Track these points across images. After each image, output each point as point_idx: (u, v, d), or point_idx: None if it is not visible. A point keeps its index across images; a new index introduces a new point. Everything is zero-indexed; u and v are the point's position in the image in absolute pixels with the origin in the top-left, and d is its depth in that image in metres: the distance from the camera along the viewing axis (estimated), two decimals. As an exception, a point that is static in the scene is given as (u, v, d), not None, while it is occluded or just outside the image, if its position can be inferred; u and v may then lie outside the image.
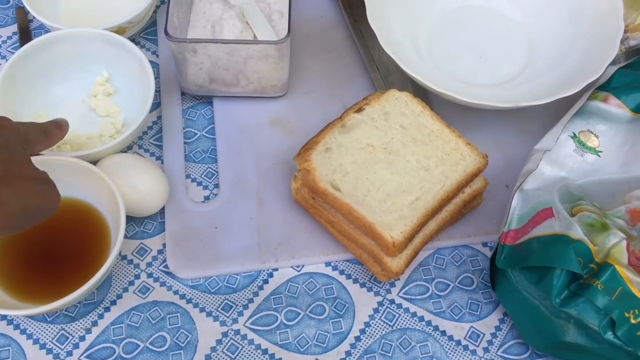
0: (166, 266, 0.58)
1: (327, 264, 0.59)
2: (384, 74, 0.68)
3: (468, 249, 0.60)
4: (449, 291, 0.58)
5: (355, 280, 0.59)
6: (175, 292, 0.57)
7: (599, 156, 0.58)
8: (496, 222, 0.61)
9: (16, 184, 0.43)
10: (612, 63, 0.62)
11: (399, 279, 0.59)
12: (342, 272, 0.59)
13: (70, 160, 0.56)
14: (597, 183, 0.58)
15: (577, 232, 0.50)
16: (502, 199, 0.61)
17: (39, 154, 0.55)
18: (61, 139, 0.51)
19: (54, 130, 0.50)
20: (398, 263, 0.54)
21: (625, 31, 0.66)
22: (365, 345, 0.56)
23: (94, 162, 0.58)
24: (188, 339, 0.55)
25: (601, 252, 0.50)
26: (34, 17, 0.69)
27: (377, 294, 0.58)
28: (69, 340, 0.55)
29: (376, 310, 0.57)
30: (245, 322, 0.56)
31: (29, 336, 0.55)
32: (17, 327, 0.55)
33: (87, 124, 0.63)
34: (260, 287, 0.58)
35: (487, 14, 0.72)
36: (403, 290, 0.58)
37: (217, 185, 0.62)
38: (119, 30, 0.65)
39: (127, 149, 0.64)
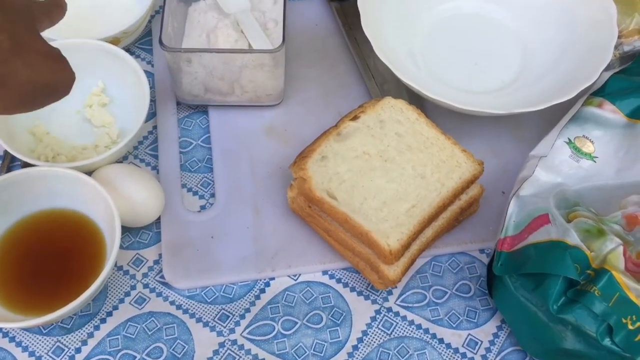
0: (162, 276, 0.58)
1: (324, 272, 0.59)
2: (380, 82, 0.68)
3: (465, 256, 0.60)
4: (447, 299, 0.58)
5: (353, 289, 0.58)
6: (172, 303, 0.57)
7: (595, 162, 0.58)
8: (493, 228, 0.61)
9: (26, 55, 0.40)
10: (607, 69, 0.62)
11: (396, 287, 0.58)
12: (339, 281, 0.59)
13: (65, 171, 0.56)
14: (593, 189, 0.58)
15: (573, 238, 0.50)
16: (499, 205, 0.61)
17: (34, 165, 0.55)
18: (62, 17, 0.48)
19: (55, 8, 0.47)
20: (395, 271, 0.54)
21: (619, 37, 0.66)
22: (363, 354, 0.55)
23: (89, 173, 0.58)
24: (185, 349, 0.55)
25: (598, 258, 0.50)
26: (28, 28, 0.69)
27: (374, 302, 0.58)
28: (64, 352, 0.54)
29: (373, 319, 0.57)
30: (242, 332, 0.56)
31: (25, 349, 0.54)
32: (12, 339, 0.55)
33: (82, 135, 0.63)
34: (257, 297, 0.57)
35: (481, 21, 0.72)
36: (400, 298, 0.58)
37: (213, 195, 0.62)
38: (114, 41, 0.65)
39: (122, 159, 0.64)
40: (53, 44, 0.62)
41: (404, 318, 0.57)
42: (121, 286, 0.58)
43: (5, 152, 0.63)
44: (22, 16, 0.42)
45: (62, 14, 0.48)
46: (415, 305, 0.58)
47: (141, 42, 0.72)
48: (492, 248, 0.59)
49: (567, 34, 0.68)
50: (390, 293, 0.58)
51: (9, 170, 0.62)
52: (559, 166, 0.58)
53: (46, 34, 0.64)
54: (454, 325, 0.57)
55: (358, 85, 0.69)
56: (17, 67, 0.40)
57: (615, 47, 0.66)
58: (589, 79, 0.60)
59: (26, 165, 0.60)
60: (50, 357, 0.54)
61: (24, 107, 0.42)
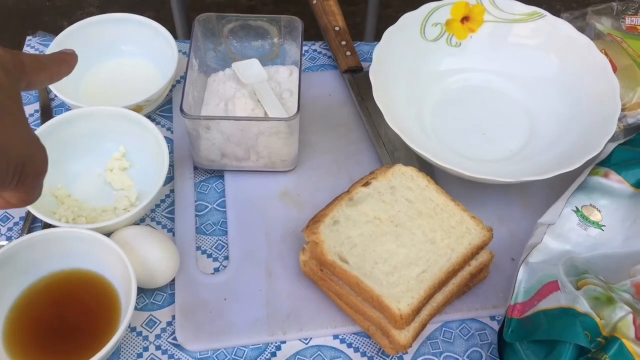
0: (175, 338, 0.58)
1: (335, 336, 0.59)
2: (390, 150, 0.70)
3: (476, 323, 0.60)
4: (458, 365, 0.58)
5: (364, 354, 0.58)
6: (183, 365, 0.57)
7: (603, 230, 0.59)
8: (503, 295, 0.61)
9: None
10: (612, 140, 0.64)
11: (407, 353, 0.58)
12: (350, 345, 0.59)
13: (84, 232, 0.57)
14: (601, 257, 0.58)
15: (583, 306, 0.51)
16: (508, 272, 0.61)
17: (68, 228, 0.57)
18: (67, 73, 0.45)
19: (52, 64, 0.43)
20: (406, 336, 0.54)
21: (623, 109, 0.69)
22: (374, 421, 0.55)
23: (108, 234, 0.59)
24: (195, 413, 0.55)
25: (608, 326, 0.50)
26: (55, 96, 0.73)
27: (385, 367, 0.58)
28: (75, 413, 0.54)
29: (384, 385, 0.57)
30: (253, 396, 0.56)
31: (36, 409, 0.55)
32: (24, 399, 0.55)
33: (102, 197, 0.65)
34: (268, 360, 0.58)
35: (489, 93, 0.75)
36: (411, 364, 0.58)
37: (226, 257, 0.64)
38: (137, 108, 0.68)
39: (140, 221, 0.66)
40: (78, 110, 0.65)
41: (415, 385, 0.57)
42: (134, 347, 0.58)
43: (27, 213, 0.65)
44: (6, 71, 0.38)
45: (69, 70, 0.45)
46: (426, 371, 0.58)
47: (162, 109, 0.75)
48: (503, 314, 0.59)
49: (572, 107, 0.70)
50: (401, 359, 0.58)
51: (30, 230, 0.64)
52: (567, 234, 0.59)
53: (73, 101, 0.68)
54: (465, 393, 0.57)
55: (369, 153, 0.71)
56: None
57: (619, 120, 0.68)
58: (594, 150, 0.62)
59: (47, 226, 0.62)
60: (61, 418, 0.54)
61: None
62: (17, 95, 0.38)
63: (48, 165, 0.40)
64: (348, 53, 0.77)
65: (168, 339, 0.59)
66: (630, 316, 0.50)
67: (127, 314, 0.53)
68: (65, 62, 0.45)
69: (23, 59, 0.40)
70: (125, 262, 0.55)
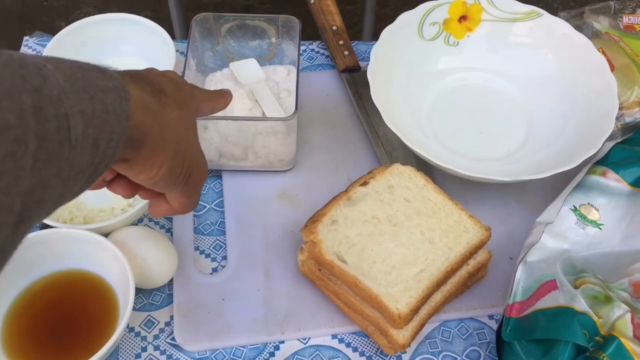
0: (173, 338, 0.58)
1: (334, 336, 0.59)
2: (388, 149, 0.70)
3: (474, 322, 0.61)
4: (456, 365, 0.58)
5: (362, 354, 0.58)
6: (182, 365, 0.57)
7: (600, 229, 0.59)
8: (501, 294, 0.61)
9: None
10: (609, 139, 0.64)
11: (405, 352, 0.58)
12: (348, 345, 0.59)
13: (82, 233, 0.57)
14: (599, 255, 0.58)
15: (581, 305, 0.51)
16: (507, 271, 0.61)
17: (66, 228, 0.57)
18: (224, 107, 0.53)
19: (219, 99, 0.52)
20: (404, 335, 0.54)
21: (620, 108, 0.69)
22: (372, 421, 0.55)
23: (106, 235, 0.59)
24: (193, 413, 0.55)
25: (606, 325, 0.50)
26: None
27: (383, 367, 0.58)
28: (73, 414, 0.54)
29: (383, 384, 0.57)
30: (251, 396, 0.56)
31: (34, 410, 0.54)
32: (22, 400, 0.55)
33: (99, 197, 0.65)
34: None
35: (486, 92, 0.75)
36: (410, 364, 0.58)
37: (225, 257, 0.63)
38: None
39: (138, 221, 0.66)
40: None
41: (414, 384, 0.57)
42: (132, 348, 0.58)
43: (25, 213, 0.64)
44: (188, 98, 0.46)
45: (225, 105, 0.53)
46: (425, 371, 0.58)
47: (159, 109, 0.75)
48: (501, 314, 0.59)
49: (569, 105, 0.70)
50: (399, 358, 0.58)
51: (27, 231, 0.64)
52: (565, 233, 0.59)
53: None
54: (463, 392, 0.57)
55: (367, 152, 0.71)
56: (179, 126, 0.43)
57: (617, 119, 0.68)
58: (592, 149, 0.62)
59: (45, 226, 0.62)
60: (59, 419, 0.54)
61: (166, 175, 0.42)
62: (195, 117, 0.47)
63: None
64: (346, 52, 0.77)
65: (166, 339, 0.58)
66: (629, 315, 0.50)
67: (125, 314, 0.53)
68: (224, 97, 0.53)
69: (194, 89, 0.49)
70: (123, 263, 0.55)
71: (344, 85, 0.77)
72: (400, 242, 0.57)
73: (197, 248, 0.64)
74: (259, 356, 0.58)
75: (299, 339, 0.59)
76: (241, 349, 0.58)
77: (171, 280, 0.61)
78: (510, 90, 0.75)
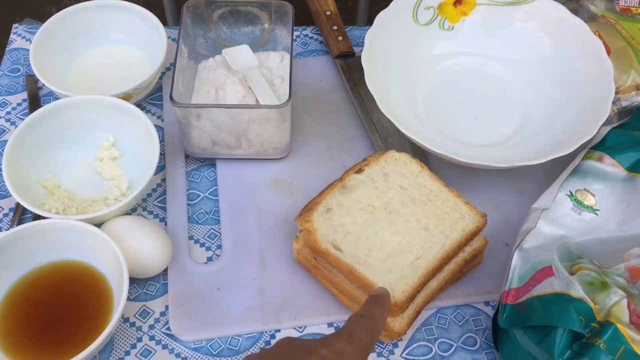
0: (168, 328, 0.58)
1: (330, 324, 0.59)
2: (383, 136, 0.69)
3: (470, 308, 0.60)
4: (453, 351, 0.58)
5: (358, 341, 0.58)
6: (177, 355, 0.57)
7: (597, 214, 0.59)
8: (497, 280, 0.61)
9: None
10: (606, 123, 0.64)
11: (401, 340, 0.58)
12: (344, 333, 0.59)
13: (75, 224, 0.57)
14: (595, 241, 0.58)
15: (577, 291, 0.51)
16: (503, 257, 0.61)
17: (45, 218, 0.56)
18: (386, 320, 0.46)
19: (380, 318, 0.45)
20: (400, 323, 0.54)
21: (617, 93, 0.68)
22: (369, 408, 0.55)
23: (99, 225, 0.59)
24: (190, 403, 0.55)
25: (602, 311, 0.50)
26: (43, 85, 0.72)
27: (379, 354, 0.58)
28: (69, 405, 0.54)
29: (379, 372, 0.57)
30: (248, 385, 0.56)
31: (29, 401, 0.54)
32: (17, 392, 0.55)
33: (92, 187, 0.65)
34: (263, 349, 0.57)
35: (482, 77, 0.74)
36: (406, 351, 0.58)
37: (219, 246, 0.63)
38: (126, 97, 0.67)
39: (131, 211, 0.65)
40: (67, 99, 0.65)
41: (410, 371, 0.57)
42: (127, 338, 0.58)
43: (17, 204, 0.64)
44: None
45: (387, 317, 0.46)
46: (421, 358, 0.58)
47: (152, 97, 0.74)
48: (497, 300, 0.59)
49: (565, 90, 0.69)
50: (395, 346, 0.58)
51: (20, 222, 0.63)
52: (561, 219, 0.59)
53: (61, 90, 0.67)
54: (460, 379, 0.57)
55: (362, 139, 0.71)
56: None
57: (613, 103, 0.67)
58: (588, 134, 0.62)
59: (37, 217, 0.61)
60: (55, 410, 0.54)
61: None
62: None
63: None
64: (340, 38, 0.76)
65: (162, 329, 0.58)
66: (625, 301, 0.50)
67: (120, 304, 0.53)
68: (385, 309, 0.46)
69: (362, 338, 0.42)
70: (117, 253, 0.55)
71: (338, 72, 0.76)
72: (395, 230, 0.57)
73: (191, 237, 0.64)
74: (255, 345, 0.58)
75: (295, 328, 0.59)
76: (237, 338, 0.58)
77: (166, 270, 0.61)
78: (506, 74, 0.74)
